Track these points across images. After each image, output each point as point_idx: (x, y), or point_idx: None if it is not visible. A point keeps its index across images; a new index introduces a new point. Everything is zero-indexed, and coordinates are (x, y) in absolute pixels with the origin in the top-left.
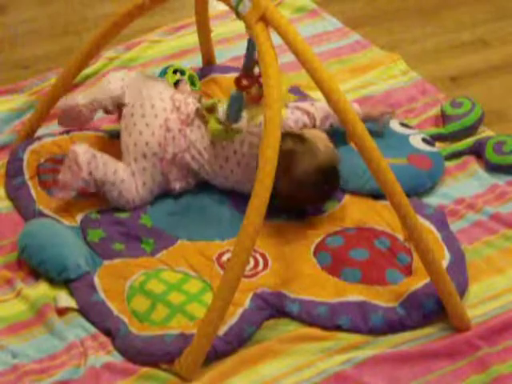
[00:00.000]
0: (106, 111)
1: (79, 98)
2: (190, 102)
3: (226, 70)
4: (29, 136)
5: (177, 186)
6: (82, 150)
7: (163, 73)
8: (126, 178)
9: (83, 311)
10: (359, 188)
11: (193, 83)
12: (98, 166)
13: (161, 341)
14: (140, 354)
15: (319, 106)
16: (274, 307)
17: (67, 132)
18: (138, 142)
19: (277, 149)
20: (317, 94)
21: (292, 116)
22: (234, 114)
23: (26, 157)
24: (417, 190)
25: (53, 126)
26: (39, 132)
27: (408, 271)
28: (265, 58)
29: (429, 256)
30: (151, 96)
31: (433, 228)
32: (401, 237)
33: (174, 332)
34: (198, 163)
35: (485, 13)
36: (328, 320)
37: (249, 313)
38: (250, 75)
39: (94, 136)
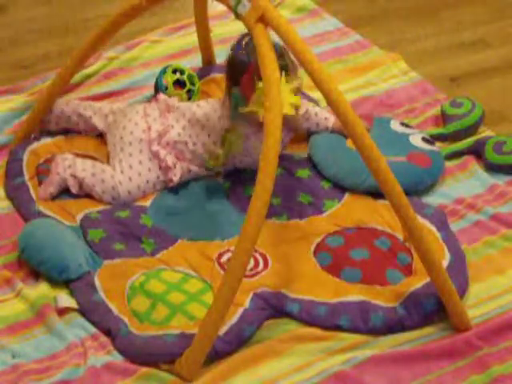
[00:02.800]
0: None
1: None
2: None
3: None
4: (26, 136)
5: (171, 174)
6: (63, 155)
7: (163, 73)
8: (107, 167)
9: (83, 311)
10: (358, 185)
11: (192, 83)
12: (75, 163)
13: (161, 341)
14: (140, 354)
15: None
16: (273, 307)
17: (65, 133)
18: (124, 135)
19: (277, 150)
20: (316, 94)
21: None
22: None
23: (25, 157)
24: (416, 188)
25: None
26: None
27: (408, 271)
28: (264, 59)
29: (429, 256)
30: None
31: (433, 228)
32: (401, 237)
33: (175, 332)
34: (183, 138)
35: (485, 13)
36: (328, 320)
37: (249, 313)
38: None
39: (91, 137)
